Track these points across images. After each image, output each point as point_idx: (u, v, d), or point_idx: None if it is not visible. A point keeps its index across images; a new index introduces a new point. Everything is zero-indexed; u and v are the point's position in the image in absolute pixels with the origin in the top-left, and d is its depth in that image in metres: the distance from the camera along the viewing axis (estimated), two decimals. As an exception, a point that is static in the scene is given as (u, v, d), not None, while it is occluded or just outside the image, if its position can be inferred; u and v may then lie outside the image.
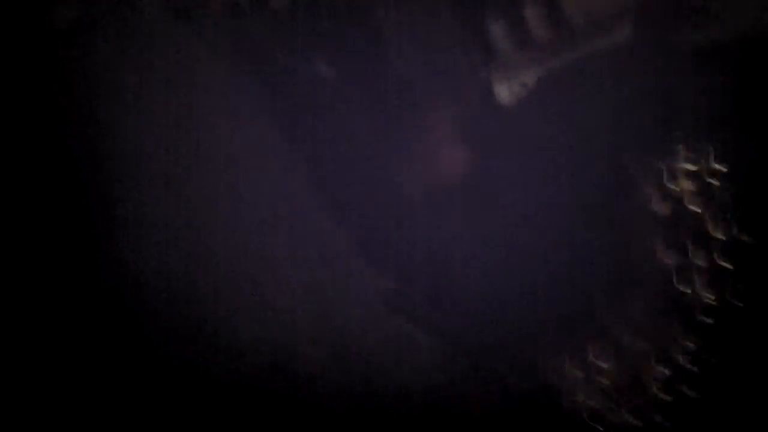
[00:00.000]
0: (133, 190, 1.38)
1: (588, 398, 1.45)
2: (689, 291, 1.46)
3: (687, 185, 1.47)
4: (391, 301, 1.47)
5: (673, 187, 1.48)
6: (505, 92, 1.55)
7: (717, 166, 1.47)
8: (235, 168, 1.41)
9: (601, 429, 1.47)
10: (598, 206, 1.49)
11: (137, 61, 1.39)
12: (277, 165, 1.42)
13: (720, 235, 1.45)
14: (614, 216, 1.49)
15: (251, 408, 1.41)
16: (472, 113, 1.53)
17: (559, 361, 1.48)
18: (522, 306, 1.48)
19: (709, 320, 1.46)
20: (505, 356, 1.49)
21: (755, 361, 1.47)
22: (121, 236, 1.40)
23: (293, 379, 1.41)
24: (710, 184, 1.47)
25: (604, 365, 1.47)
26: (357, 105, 1.51)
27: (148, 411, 1.41)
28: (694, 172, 1.47)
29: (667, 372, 1.48)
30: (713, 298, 1.46)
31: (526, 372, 1.48)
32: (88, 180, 1.39)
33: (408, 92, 1.51)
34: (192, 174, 1.40)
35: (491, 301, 1.48)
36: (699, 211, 1.47)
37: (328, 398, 1.42)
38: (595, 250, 1.49)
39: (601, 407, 1.47)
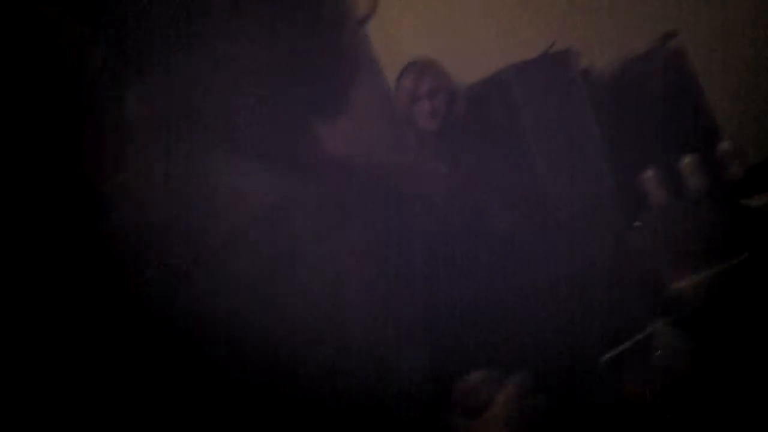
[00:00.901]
0: (133, 190, 1.39)
1: None
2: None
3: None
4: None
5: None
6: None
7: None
8: (236, 164, 1.43)
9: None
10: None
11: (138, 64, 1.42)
12: (280, 161, 1.43)
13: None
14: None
15: (251, 408, 1.40)
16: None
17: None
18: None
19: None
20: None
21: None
22: (122, 236, 1.40)
23: (293, 380, 1.40)
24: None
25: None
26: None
27: (147, 411, 1.40)
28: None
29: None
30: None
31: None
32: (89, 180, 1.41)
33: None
34: (192, 171, 1.41)
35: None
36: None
37: (329, 399, 1.41)
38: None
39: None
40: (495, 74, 1.51)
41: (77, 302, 1.36)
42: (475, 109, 1.64)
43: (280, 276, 1.38)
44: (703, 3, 4.29)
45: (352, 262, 1.42)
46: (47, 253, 1.36)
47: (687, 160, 1.53)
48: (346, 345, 1.40)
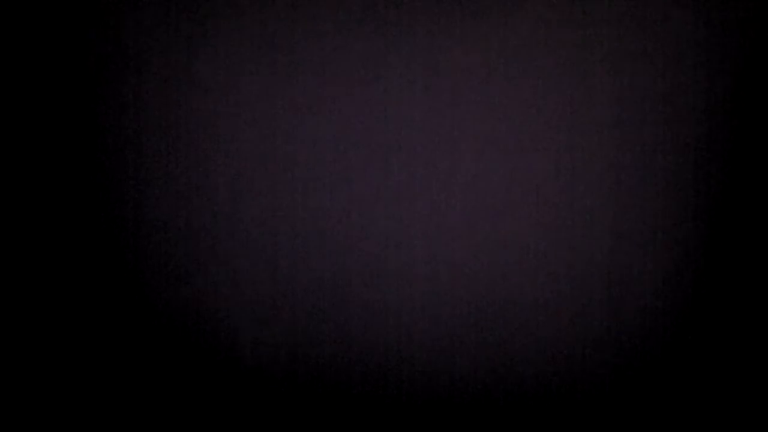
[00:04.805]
0: (135, 189, 1.39)
1: None
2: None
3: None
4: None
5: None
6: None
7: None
8: (237, 166, 1.43)
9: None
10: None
11: (137, 58, 1.42)
12: (280, 161, 1.44)
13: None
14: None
15: (251, 406, 1.40)
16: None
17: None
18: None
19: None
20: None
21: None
22: (123, 236, 1.41)
23: (293, 378, 1.40)
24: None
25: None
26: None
27: (148, 409, 1.40)
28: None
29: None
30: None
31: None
32: (90, 180, 1.41)
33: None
34: (193, 173, 1.42)
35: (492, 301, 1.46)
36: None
37: (329, 397, 1.41)
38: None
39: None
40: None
41: (79, 300, 1.38)
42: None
43: (281, 275, 1.39)
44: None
45: (353, 262, 1.43)
46: (49, 253, 1.38)
47: None
48: (347, 344, 1.41)
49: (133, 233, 1.38)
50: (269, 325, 1.39)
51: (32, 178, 1.39)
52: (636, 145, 1.49)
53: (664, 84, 1.48)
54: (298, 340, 1.40)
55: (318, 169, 1.44)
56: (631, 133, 1.49)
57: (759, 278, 1.49)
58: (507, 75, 1.49)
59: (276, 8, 1.42)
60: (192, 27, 1.38)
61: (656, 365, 1.49)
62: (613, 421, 1.48)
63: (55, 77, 1.40)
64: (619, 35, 1.48)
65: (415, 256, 1.47)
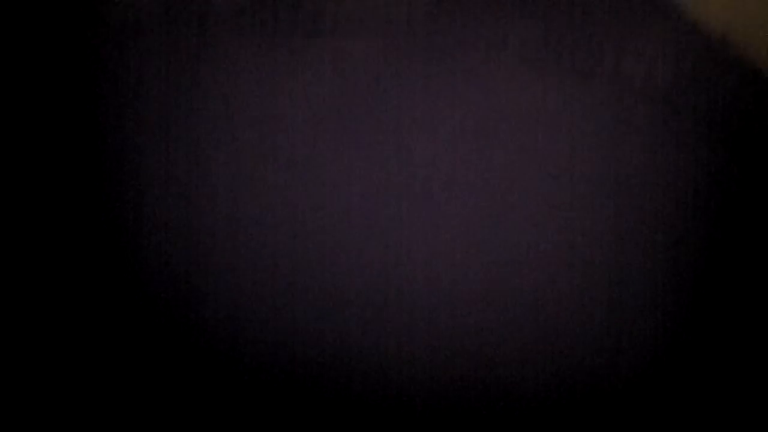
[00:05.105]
0: (135, 189, 1.41)
1: None
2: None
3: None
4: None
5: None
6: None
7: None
8: (236, 166, 1.45)
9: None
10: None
11: (137, 58, 1.44)
12: (280, 162, 1.45)
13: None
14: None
15: (251, 408, 1.42)
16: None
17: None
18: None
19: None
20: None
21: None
22: (123, 236, 1.43)
23: (292, 379, 1.42)
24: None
25: None
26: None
27: (148, 409, 1.42)
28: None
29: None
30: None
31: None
32: (90, 179, 1.43)
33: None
34: (192, 173, 1.44)
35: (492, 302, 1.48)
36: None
37: (328, 399, 1.43)
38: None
39: None
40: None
41: (79, 300, 1.39)
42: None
43: (281, 275, 1.40)
44: None
45: (353, 263, 1.44)
46: (48, 253, 1.39)
47: None
48: (347, 344, 1.42)
49: (133, 233, 1.39)
50: (269, 325, 1.40)
51: (31, 178, 1.40)
52: (636, 145, 1.50)
53: (664, 84, 1.49)
54: (298, 340, 1.41)
55: (318, 169, 1.45)
56: (631, 133, 1.50)
57: (760, 278, 1.50)
58: (507, 75, 1.50)
59: (276, 8, 1.43)
60: (192, 26, 1.40)
61: (656, 365, 1.49)
62: (613, 421, 1.49)
63: (55, 77, 1.41)
64: (620, 35, 1.49)
65: (415, 256, 1.48)
